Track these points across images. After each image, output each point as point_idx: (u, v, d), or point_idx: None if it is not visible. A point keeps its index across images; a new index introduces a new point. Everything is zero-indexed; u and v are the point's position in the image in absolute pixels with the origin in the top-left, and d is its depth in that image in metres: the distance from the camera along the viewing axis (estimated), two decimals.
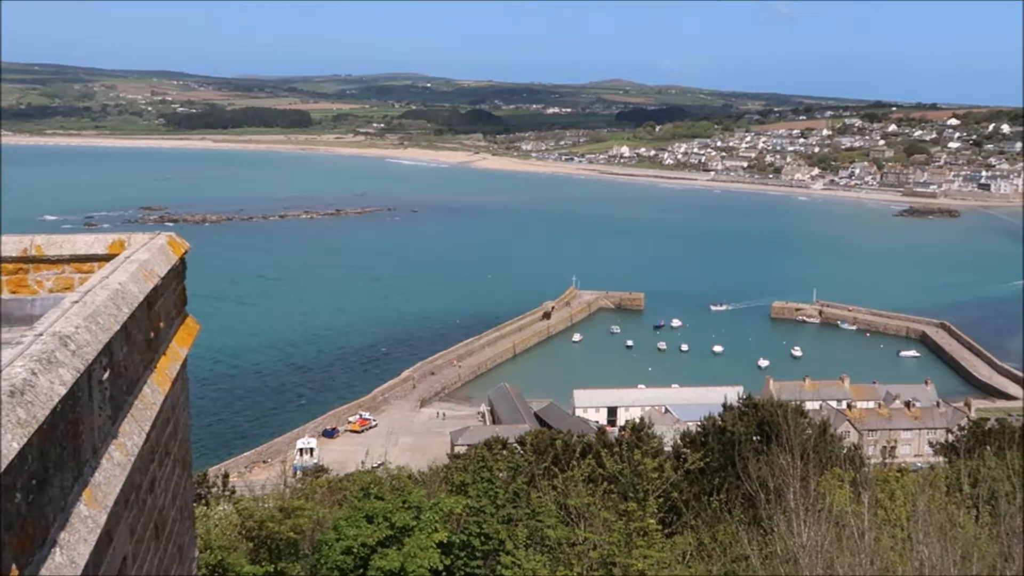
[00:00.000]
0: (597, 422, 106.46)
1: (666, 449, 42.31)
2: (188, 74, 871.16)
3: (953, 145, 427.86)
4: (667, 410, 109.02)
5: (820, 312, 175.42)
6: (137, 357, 5.85)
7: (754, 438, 39.96)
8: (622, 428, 62.69)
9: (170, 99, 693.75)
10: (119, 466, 4.88)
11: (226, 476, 54.53)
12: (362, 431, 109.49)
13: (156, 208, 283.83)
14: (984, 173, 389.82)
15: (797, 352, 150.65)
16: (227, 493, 41.15)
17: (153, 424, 5.76)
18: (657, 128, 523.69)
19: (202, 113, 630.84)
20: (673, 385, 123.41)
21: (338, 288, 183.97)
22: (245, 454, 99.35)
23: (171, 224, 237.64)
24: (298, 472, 68.69)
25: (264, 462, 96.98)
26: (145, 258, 6.67)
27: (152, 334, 6.33)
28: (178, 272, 7.58)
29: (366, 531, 19.63)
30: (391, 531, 19.76)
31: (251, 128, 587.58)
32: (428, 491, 24.21)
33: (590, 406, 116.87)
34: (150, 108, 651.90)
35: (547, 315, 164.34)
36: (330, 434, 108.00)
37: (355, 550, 19.51)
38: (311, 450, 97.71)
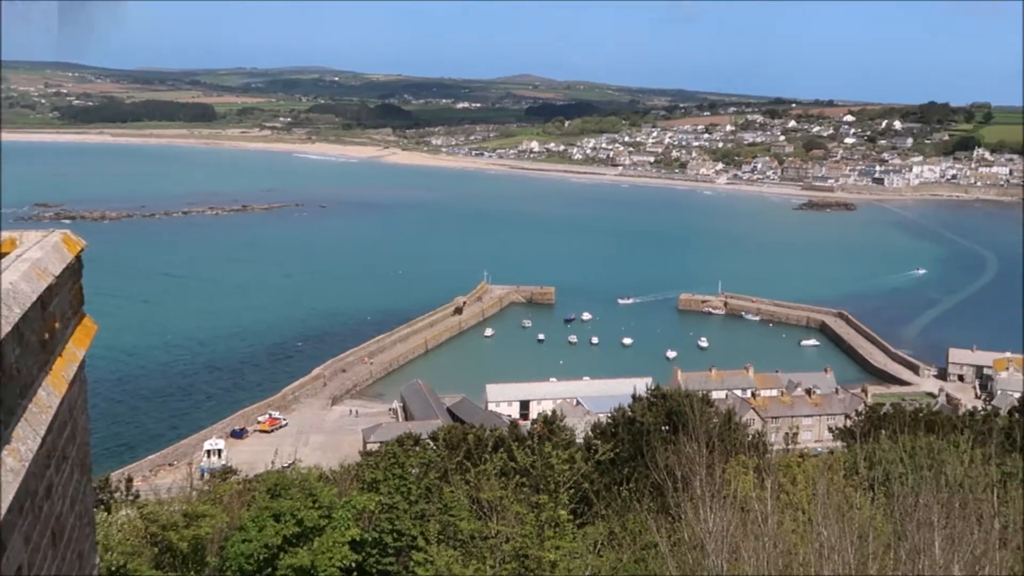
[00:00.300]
0: (510, 416, 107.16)
1: (577, 441, 42.95)
2: (84, 66, 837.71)
3: (849, 141, 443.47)
4: (578, 402, 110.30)
5: (725, 304, 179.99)
6: (31, 359, 5.67)
7: (662, 428, 40.90)
8: (534, 421, 63.24)
9: (65, 91, 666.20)
10: (12, 472, 4.73)
11: (130, 480, 52.83)
12: (272, 431, 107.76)
13: (52, 205, 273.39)
14: (878, 168, 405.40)
15: (703, 343, 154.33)
16: (131, 498, 39.91)
17: (49, 428, 5.59)
18: (566, 123, 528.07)
19: (99, 106, 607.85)
20: (584, 377, 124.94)
21: (245, 285, 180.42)
22: (150, 457, 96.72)
23: (68, 221, 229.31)
24: (205, 474, 67.35)
25: (170, 465, 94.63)
26: (38, 256, 6.45)
27: (47, 335, 6.14)
28: (74, 271, 7.35)
29: (271, 530, 19.34)
30: (299, 528, 19.51)
31: (152, 122, 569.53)
32: (339, 489, 23.99)
33: (502, 400, 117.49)
34: (43, 100, 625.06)
35: (459, 310, 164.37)
36: (239, 434, 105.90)
37: (257, 552, 19.19)
38: (219, 451, 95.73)
